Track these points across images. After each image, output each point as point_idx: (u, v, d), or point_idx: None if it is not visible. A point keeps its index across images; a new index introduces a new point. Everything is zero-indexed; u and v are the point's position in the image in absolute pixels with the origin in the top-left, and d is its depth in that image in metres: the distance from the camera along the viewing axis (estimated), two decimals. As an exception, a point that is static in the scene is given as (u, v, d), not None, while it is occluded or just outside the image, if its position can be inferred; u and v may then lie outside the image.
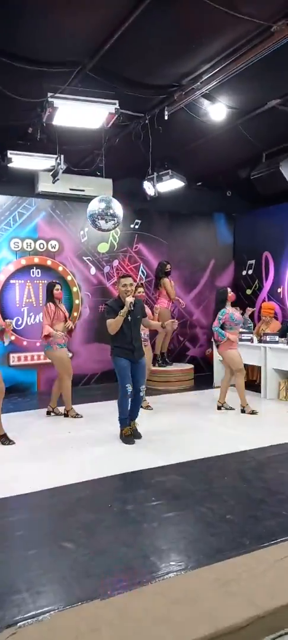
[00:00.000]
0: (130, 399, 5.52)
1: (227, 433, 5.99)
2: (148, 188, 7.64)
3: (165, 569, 3.11)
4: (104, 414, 6.70)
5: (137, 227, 9.38)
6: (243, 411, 6.82)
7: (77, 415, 6.71)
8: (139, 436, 5.66)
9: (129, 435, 5.54)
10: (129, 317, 5.46)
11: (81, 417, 6.69)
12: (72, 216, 8.83)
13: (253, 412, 6.74)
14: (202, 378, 9.04)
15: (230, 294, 6.87)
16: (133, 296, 5.51)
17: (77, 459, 5.09)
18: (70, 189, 8.13)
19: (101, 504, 4.01)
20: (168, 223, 9.71)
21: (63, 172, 7.07)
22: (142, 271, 9.46)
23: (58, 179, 6.98)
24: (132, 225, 9.33)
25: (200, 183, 9.63)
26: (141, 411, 6.24)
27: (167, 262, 8.90)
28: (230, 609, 2.74)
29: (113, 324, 5.42)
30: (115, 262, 9.22)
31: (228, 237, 10.39)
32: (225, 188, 9.91)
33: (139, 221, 9.37)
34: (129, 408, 5.57)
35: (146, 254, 9.50)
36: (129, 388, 5.43)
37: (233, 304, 7.15)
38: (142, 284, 7.58)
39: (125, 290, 5.43)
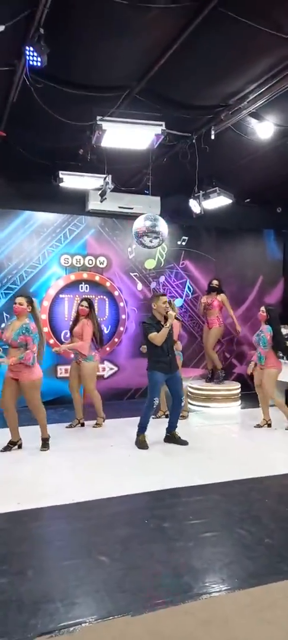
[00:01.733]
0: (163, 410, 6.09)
1: (270, 454, 5.87)
2: (194, 206, 7.67)
3: (198, 589, 3.09)
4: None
5: (183, 243, 9.42)
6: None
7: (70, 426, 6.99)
8: (184, 443, 5.95)
9: (144, 441, 5.95)
10: None
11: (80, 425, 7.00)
12: (120, 233, 8.99)
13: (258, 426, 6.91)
14: (249, 396, 8.87)
15: (259, 313, 6.92)
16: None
17: (116, 472, 5.16)
18: (119, 207, 8.30)
19: (138, 520, 4.04)
20: (215, 239, 9.69)
21: (112, 191, 7.21)
22: (189, 287, 9.48)
23: (105, 198, 7.13)
24: (178, 242, 9.38)
25: (248, 199, 9.54)
26: (183, 429, 6.24)
27: (214, 278, 8.86)
28: (263, 636, 2.68)
29: (159, 337, 5.84)
30: (162, 278, 9.29)
31: (277, 253, 10.22)
32: (274, 204, 9.77)
33: (186, 238, 9.41)
34: (148, 418, 5.97)
35: (192, 270, 9.51)
36: (156, 401, 5.90)
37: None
38: (169, 301, 7.63)
39: (166, 307, 5.96)
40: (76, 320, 6.95)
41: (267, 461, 5.52)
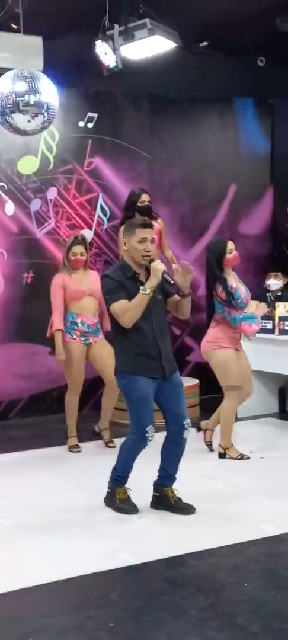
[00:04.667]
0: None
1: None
2: (105, 54, 7.70)
3: None
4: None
5: (90, 125, 9.47)
6: (222, 455, 7.39)
7: None
8: (191, 510, 5.88)
9: (128, 498, 5.96)
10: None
11: None
12: None
13: (242, 457, 7.29)
14: (213, 401, 8.96)
15: (231, 255, 7.18)
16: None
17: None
18: None
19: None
20: (149, 117, 9.78)
21: None
22: (102, 207, 9.56)
23: None
24: (81, 124, 9.42)
25: (206, 43, 9.70)
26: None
27: (142, 190, 8.89)
28: None
29: (130, 311, 5.62)
30: (52, 193, 9.32)
31: (261, 142, 10.53)
32: (253, 52, 9.95)
33: (95, 115, 9.45)
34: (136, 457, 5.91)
35: (109, 176, 9.60)
36: (150, 432, 5.74)
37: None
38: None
39: (145, 249, 5.64)
40: None
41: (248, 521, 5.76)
